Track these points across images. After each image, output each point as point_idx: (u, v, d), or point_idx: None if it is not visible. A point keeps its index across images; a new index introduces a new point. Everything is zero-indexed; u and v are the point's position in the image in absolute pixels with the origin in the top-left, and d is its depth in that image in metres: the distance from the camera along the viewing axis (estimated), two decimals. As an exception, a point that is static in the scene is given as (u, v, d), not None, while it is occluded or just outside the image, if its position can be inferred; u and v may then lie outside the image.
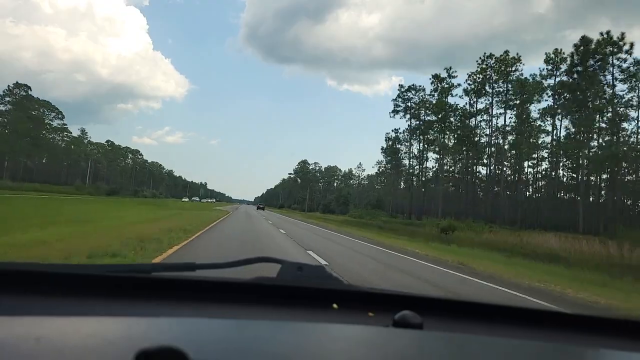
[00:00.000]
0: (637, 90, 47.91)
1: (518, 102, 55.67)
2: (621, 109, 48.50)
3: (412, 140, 74.48)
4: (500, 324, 1.11)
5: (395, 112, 73.88)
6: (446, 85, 64.48)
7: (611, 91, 47.96)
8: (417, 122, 71.15)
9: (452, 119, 63.62)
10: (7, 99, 77.07)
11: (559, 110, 52.85)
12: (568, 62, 49.69)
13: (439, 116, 63.55)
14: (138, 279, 1.05)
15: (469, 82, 61.84)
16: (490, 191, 61.41)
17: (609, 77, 47.73)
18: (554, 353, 0.90)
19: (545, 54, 55.03)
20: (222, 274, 1.10)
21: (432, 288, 7.78)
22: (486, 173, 63.57)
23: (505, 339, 0.96)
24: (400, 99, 72.83)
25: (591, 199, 51.91)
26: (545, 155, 58.10)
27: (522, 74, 57.17)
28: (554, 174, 56.30)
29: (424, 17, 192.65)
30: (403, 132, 77.10)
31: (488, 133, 60.97)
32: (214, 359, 0.64)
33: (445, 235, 26.81)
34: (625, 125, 49.57)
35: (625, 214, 49.68)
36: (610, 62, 47.21)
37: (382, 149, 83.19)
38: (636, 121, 48.88)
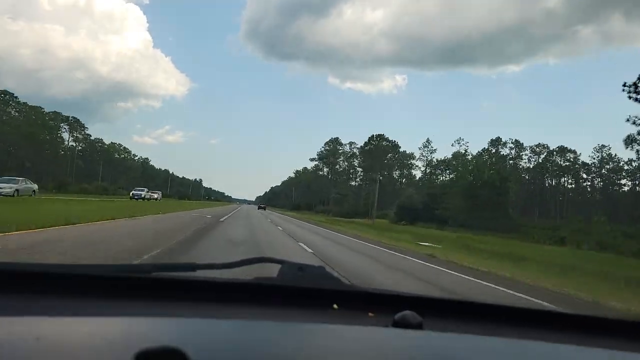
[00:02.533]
0: None
1: None
2: None
3: None
4: (500, 324, 1.10)
5: None
6: None
7: None
8: None
9: None
10: None
11: None
12: None
13: None
14: (138, 279, 1.04)
15: None
16: None
17: None
18: (554, 353, 0.90)
19: None
20: (222, 275, 1.10)
21: None
22: None
23: (505, 339, 0.95)
24: None
25: None
26: None
27: None
28: None
29: (429, 13, 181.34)
30: None
31: None
32: (213, 359, 0.63)
33: None
34: None
35: None
36: None
37: None
38: None
